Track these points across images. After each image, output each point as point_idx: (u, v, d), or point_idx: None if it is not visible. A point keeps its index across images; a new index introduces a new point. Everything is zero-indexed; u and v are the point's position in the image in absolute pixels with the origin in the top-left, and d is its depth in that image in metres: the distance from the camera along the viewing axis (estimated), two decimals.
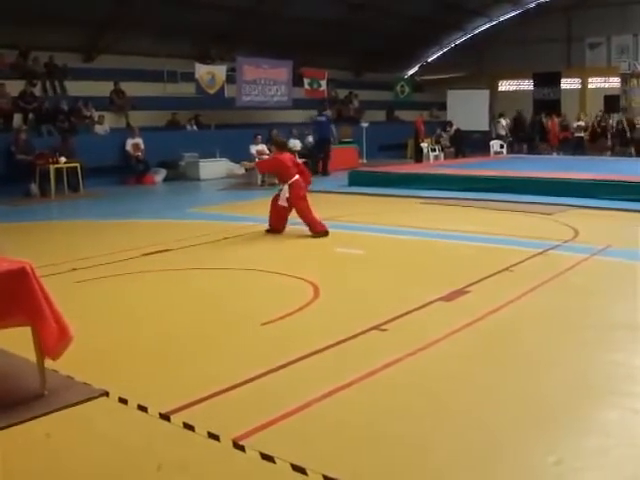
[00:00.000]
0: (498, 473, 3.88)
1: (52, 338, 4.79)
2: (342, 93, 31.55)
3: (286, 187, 11.51)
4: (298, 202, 11.50)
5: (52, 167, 17.92)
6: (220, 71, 24.84)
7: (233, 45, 25.79)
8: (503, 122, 29.59)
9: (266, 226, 11.69)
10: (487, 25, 35.92)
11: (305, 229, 11.41)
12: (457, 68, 34.96)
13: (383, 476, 3.83)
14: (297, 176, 11.62)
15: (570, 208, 13.47)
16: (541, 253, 9.47)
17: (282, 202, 11.47)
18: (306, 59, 28.04)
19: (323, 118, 23.82)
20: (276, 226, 11.65)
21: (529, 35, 33.35)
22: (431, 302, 7.11)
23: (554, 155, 28.27)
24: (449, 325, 6.31)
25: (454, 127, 28.40)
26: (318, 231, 11.30)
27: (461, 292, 7.48)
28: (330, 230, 11.27)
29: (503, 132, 29.10)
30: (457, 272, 8.51)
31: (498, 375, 5.26)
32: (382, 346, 5.90)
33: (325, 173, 22.76)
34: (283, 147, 12.38)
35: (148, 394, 4.88)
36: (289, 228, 11.65)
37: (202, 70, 24.28)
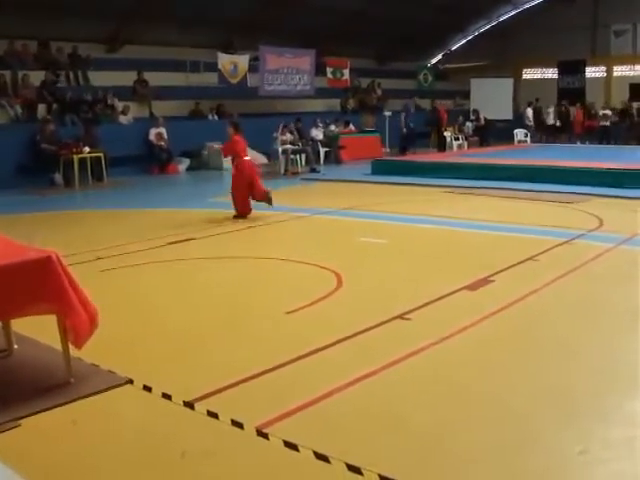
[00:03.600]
0: (523, 462, 3.85)
1: (78, 327, 4.82)
2: (365, 82, 31.43)
3: (248, 158, 12.42)
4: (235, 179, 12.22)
5: (76, 157, 18.03)
6: (243, 60, 24.83)
7: (256, 34, 25.71)
8: (530, 111, 29.43)
9: (276, 213, 11.94)
10: (512, 12, 35.60)
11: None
12: (481, 56, 34.70)
13: (406, 464, 3.82)
14: (249, 157, 12.52)
15: (594, 197, 13.37)
16: (566, 242, 9.41)
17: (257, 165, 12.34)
18: (329, 48, 27.94)
19: (410, 107, 23.87)
20: (243, 210, 12.14)
21: (554, 22, 32.99)
22: (455, 291, 7.09)
23: (578, 144, 28.08)
24: (473, 314, 6.29)
25: (482, 117, 28.22)
26: (243, 213, 12.05)
27: (485, 281, 7.45)
28: (353, 219, 11.30)
29: (530, 122, 28.94)
30: (481, 261, 8.47)
31: (523, 364, 5.23)
32: (406, 335, 5.89)
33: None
34: (238, 129, 12.72)
35: (172, 382, 4.91)
36: (304, 218, 11.65)
37: (225, 60, 24.28)
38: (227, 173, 20.77)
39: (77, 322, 4.81)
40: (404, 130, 26.01)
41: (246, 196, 12.12)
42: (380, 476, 3.64)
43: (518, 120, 30.27)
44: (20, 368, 5.31)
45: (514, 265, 8.15)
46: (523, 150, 22.91)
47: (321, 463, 3.82)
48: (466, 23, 35.96)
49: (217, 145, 21.87)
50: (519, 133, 27.26)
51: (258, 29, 25.99)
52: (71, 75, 21.84)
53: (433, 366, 5.19)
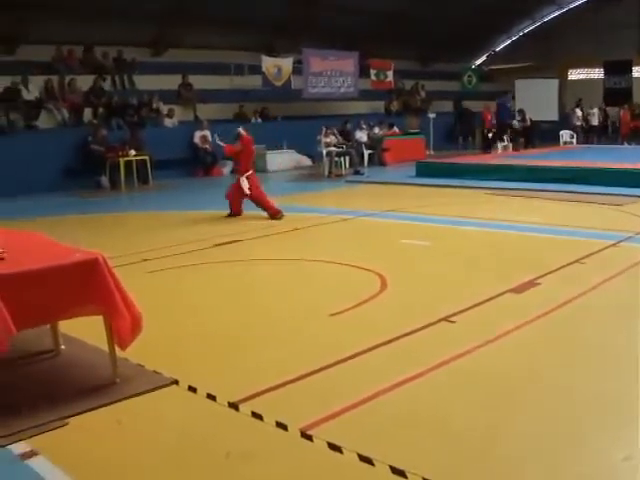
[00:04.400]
0: (568, 467, 3.80)
1: (123, 328, 4.86)
2: (408, 84, 31.37)
3: (244, 179, 12.56)
4: (257, 190, 12.65)
5: (122, 160, 18.26)
6: (287, 63, 24.92)
7: (299, 37, 25.78)
8: (579, 112, 29.08)
9: (321, 216, 12.01)
10: (556, 12, 35.26)
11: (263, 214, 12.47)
12: (525, 57, 34.37)
13: (451, 468, 3.80)
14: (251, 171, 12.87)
15: None
16: (613, 245, 9.27)
17: (246, 191, 12.52)
18: (372, 50, 27.90)
19: (507, 101, 23.32)
20: (237, 210, 12.69)
21: (600, 22, 32.55)
22: (500, 294, 7.02)
23: (625, 145, 27.68)
24: (519, 317, 6.23)
25: (528, 117, 27.94)
26: (276, 213, 12.39)
27: (531, 284, 7.37)
28: (396, 221, 11.28)
29: (578, 122, 28.60)
30: (526, 264, 8.39)
31: (568, 367, 5.17)
32: (451, 338, 5.85)
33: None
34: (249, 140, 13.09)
35: (217, 383, 4.93)
36: (348, 220, 11.63)
37: (269, 62, 24.38)
38: (272, 175, 20.97)
39: (121, 324, 4.85)
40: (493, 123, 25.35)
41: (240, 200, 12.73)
42: (424, 479, 3.62)
43: (563, 121, 29.95)
44: (67, 368, 5.37)
45: (560, 268, 8.05)
46: (569, 152, 22.62)
47: (365, 465, 3.80)
48: (510, 24, 35.69)
49: (262, 148, 22.06)
50: (565, 134, 26.95)
51: (301, 31, 26.04)
52: (117, 79, 22.10)
53: (478, 369, 5.14)
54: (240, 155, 12.93)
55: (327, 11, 26.20)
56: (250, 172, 12.74)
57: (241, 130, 13.09)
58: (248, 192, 12.51)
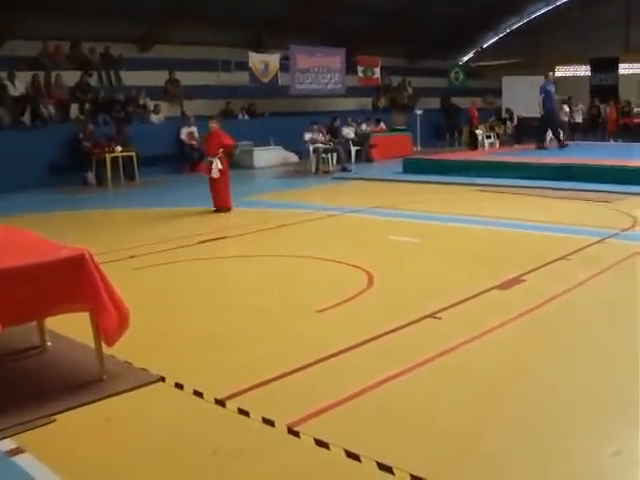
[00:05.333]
0: (554, 463, 3.83)
1: (110, 324, 4.86)
2: (396, 80, 31.39)
3: (217, 159, 12.68)
4: (225, 174, 12.83)
5: (108, 156, 18.21)
6: (274, 60, 24.89)
7: (286, 34, 25.76)
8: (566, 109, 29.14)
9: (307, 212, 12.05)
10: (544, 9, 35.36)
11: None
12: (512, 54, 34.45)
13: (436, 463, 3.82)
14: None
15: (629, 196, 13.21)
16: (599, 241, 9.31)
17: (215, 174, 12.63)
18: (359, 47, 27.91)
19: (551, 87, 21.67)
20: (221, 203, 12.71)
21: (586, 19, 32.68)
22: (486, 290, 7.05)
23: (611, 142, 27.78)
24: (505, 313, 6.26)
25: (515, 116, 27.93)
26: (223, 205, 12.72)
27: (517, 280, 7.40)
28: (384, 218, 11.31)
29: (566, 118, 28.64)
30: (513, 260, 8.42)
31: (554, 364, 5.19)
32: (437, 334, 5.87)
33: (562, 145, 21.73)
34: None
35: (204, 380, 4.94)
36: (335, 217, 11.65)
37: (256, 59, 24.36)
38: (259, 172, 20.97)
39: (108, 321, 4.85)
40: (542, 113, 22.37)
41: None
42: (411, 475, 3.64)
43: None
44: (54, 365, 5.36)
45: (546, 264, 8.09)
46: (556, 148, 22.68)
47: (352, 462, 3.82)
48: (497, 21, 35.78)
49: (248, 144, 22.07)
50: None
51: (288, 28, 26.03)
52: (103, 75, 22.03)
53: (463, 366, 5.17)
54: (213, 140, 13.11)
55: (314, 8, 26.16)
56: (220, 155, 12.86)
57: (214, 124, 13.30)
58: (216, 174, 12.63)
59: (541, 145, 22.13)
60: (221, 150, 12.81)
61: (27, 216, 12.49)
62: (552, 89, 21.67)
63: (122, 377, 5.01)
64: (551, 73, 21.92)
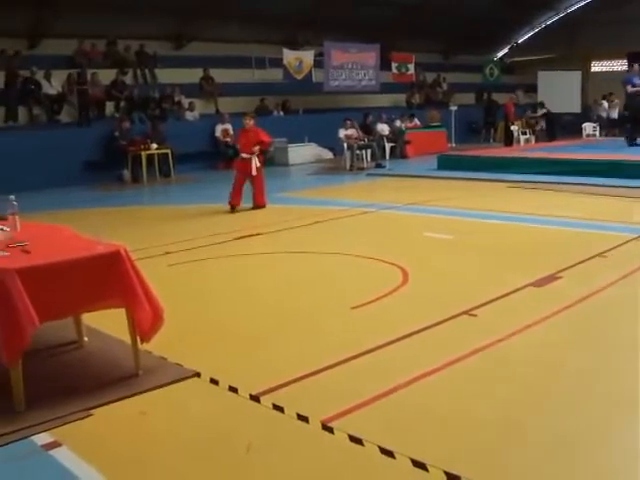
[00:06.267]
0: (588, 461, 3.79)
1: (145, 321, 4.89)
2: (430, 76, 31.25)
3: (255, 157, 12.81)
4: (260, 172, 12.94)
5: (144, 153, 18.35)
6: (308, 56, 24.92)
7: (320, 30, 25.75)
8: (605, 104, 28.81)
9: (342, 209, 11.91)
10: (580, 3, 34.95)
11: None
12: (548, 49, 34.11)
13: (470, 461, 3.79)
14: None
15: None
16: (636, 238, 9.19)
17: (254, 171, 12.74)
18: (393, 43, 27.84)
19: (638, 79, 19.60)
20: (236, 201, 12.73)
21: (623, 13, 32.13)
22: (521, 288, 6.99)
23: None
24: (540, 311, 6.20)
25: (543, 110, 27.64)
26: (262, 204, 12.83)
27: (552, 278, 7.33)
28: (418, 214, 11.27)
29: (604, 114, 28.29)
30: (548, 257, 8.34)
31: (590, 362, 5.13)
32: (471, 331, 5.84)
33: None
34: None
35: (238, 375, 4.95)
36: (370, 213, 11.62)
37: (290, 56, 24.40)
38: (293, 169, 20.99)
39: (143, 317, 4.88)
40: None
41: None
42: (445, 473, 3.62)
43: (585, 113, 29.70)
44: (90, 360, 5.42)
45: (582, 262, 8.00)
46: (593, 144, 22.44)
47: (386, 458, 3.81)
48: (533, 15, 35.41)
49: (283, 141, 22.09)
50: (588, 127, 26.73)
51: (322, 24, 26.02)
52: (139, 73, 22.19)
53: (499, 363, 5.13)
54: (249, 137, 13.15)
55: (349, 4, 26.12)
56: (257, 152, 12.91)
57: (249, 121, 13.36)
58: (255, 172, 12.72)
59: (634, 141, 21.08)
60: (257, 147, 12.81)
61: (63, 213, 12.62)
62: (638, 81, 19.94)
63: (157, 372, 5.04)
64: (637, 65, 20.68)
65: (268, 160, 21.71)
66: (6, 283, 4.34)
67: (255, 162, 12.73)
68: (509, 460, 3.82)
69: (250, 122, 13.21)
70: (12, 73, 18.58)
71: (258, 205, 12.78)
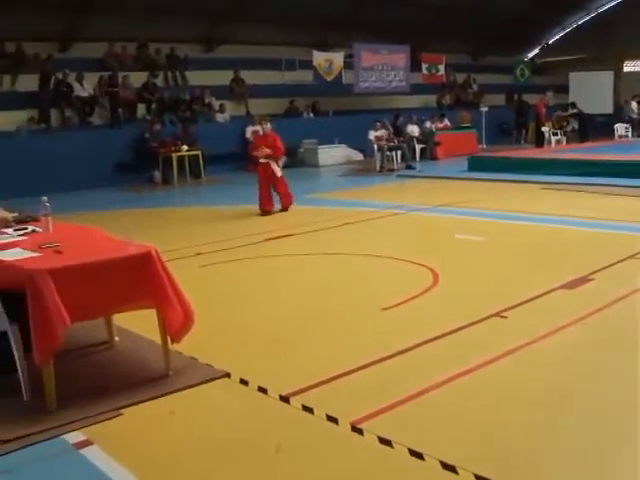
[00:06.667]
0: (617, 466, 3.75)
1: (176, 321, 4.92)
2: (460, 77, 31.10)
3: (274, 161, 12.87)
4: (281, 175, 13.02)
5: (175, 155, 18.45)
6: (338, 58, 24.91)
7: (350, 32, 25.75)
8: (634, 105, 28.51)
9: (372, 210, 11.96)
10: (612, 3, 34.63)
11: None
12: (579, 49, 33.81)
13: (500, 463, 3.76)
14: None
15: None
16: None
17: (279, 172, 12.89)
18: (424, 44, 27.74)
19: None
20: (269, 206, 12.73)
21: None
22: (553, 290, 6.93)
23: None
24: (572, 313, 6.14)
25: (573, 110, 27.37)
26: (289, 204, 12.95)
27: (584, 280, 7.26)
28: (449, 216, 11.23)
29: (634, 115, 28.01)
30: (580, 259, 8.27)
31: (623, 365, 5.06)
32: (502, 333, 5.80)
33: None
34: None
35: (268, 376, 4.96)
36: (400, 215, 11.60)
37: (320, 57, 24.41)
38: (323, 170, 21.00)
39: (174, 317, 4.90)
40: None
41: None
42: (475, 475, 3.60)
43: (617, 114, 29.41)
44: (121, 360, 5.45)
45: (614, 263, 7.91)
46: (625, 145, 22.21)
47: (415, 460, 3.79)
48: (564, 16, 35.16)
49: (313, 143, 22.11)
50: (620, 128, 26.45)
51: (352, 26, 26.01)
52: (169, 75, 22.32)
53: (530, 365, 5.09)
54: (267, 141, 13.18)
55: (379, 6, 26.08)
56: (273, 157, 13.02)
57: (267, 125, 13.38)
58: (279, 173, 12.82)
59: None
60: (269, 151, 12.86)
61: (94, 214, 12.73)
62: None
63: (187, 373, 5.06)
64: None
65: (298, 162, 21.82)
66: (38, 283, 4.38)
67: (275, 165, 12.80)
68: (540, 463, 3.78)
69: (268, 127, 13.18)
70: (45, 76, 18.77)
71: (285, 207, 12.79)
